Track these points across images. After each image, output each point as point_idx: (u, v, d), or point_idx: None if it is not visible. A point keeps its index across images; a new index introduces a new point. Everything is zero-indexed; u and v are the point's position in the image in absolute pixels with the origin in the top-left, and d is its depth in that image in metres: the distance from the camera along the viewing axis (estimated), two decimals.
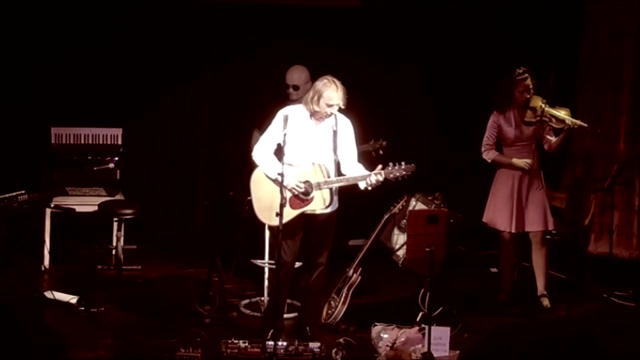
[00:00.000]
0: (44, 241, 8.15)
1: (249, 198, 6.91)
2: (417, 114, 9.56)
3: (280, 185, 6.47)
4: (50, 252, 8.21)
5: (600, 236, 8.85)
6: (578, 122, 7.47)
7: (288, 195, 6.59)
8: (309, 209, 6.65)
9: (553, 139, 7.61)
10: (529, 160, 7.54)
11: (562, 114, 7.51)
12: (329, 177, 6.67)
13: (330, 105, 6.66)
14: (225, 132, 9.48)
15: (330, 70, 9.22)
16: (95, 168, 8.68)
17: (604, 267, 8.45)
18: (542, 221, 7.62)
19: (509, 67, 8.16)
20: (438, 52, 9.38)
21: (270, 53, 9.18)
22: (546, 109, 7.48)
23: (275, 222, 6.50)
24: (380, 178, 6.57)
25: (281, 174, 6.45)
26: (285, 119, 6.63)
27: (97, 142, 8.93)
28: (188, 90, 9.63)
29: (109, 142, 8.93)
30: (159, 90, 9.48)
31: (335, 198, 6.76)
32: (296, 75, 7.55)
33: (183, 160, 9.68)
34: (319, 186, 6.63)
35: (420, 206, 7.28)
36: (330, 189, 6.68)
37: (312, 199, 6.64)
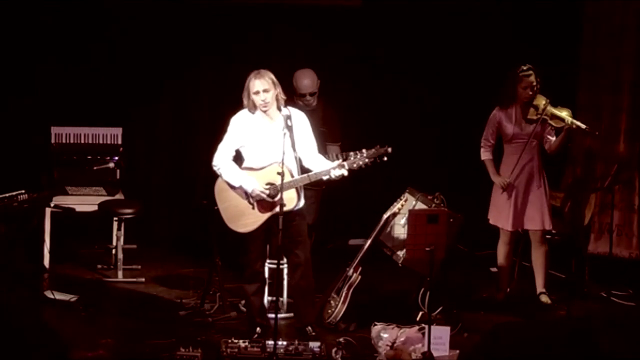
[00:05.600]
0: (44, 241, 8.14)
1: (216, 208, 6.90)
2: (417, 113, 9.55)
3: (280, 186, 6.49)
4: (50, 252, 8.20)
5: (600, 236, 8.84)
6: (577, 123, 7.48)
7: (254, 201, 6.66)
8: (278, 211, 6.60)
9: (554, 139, 7.62)
10: (505, 181, 7.56)
11: (563, 114, 7.52)
12: (292, 176, 6.67)
13: (256, 93, 6.69)
14: (226, 131, 9.47)
15: (331, 69, 9.29)
16: (95, 168, 8.68)
17: (604, 267, 8.45)
18: (540, 220, 7.62)
19: (509, 66, 8.17)
20: (438, 52, 9.38)
21: (270, 52, 9.18)
22: (548, 107, 7.49)
23: (246, 229, 6.67)
24: (345, 172, 6.63)
25: (281, 174, 6.45)
26: (240, 124, 6.76)
27: (97, 142, 8.93)
28: (188, 90, 9.63)
29: (109, 142, 8.94)
30: (159, 90, 9.48)
31: (302, 195, 6.78)
32: (309, 81, 7.51)
33: (183, 159, 9.67)
34: (284, 187, 6.59)
35: (420, 206, 7.28)
36: (296, 188, 6.69)
37: (279, 200, 6.62)
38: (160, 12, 9.26)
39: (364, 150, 6.68)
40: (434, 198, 7.30)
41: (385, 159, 7.01)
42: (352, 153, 6.76)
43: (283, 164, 6.47)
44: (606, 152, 8.83)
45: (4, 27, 9.03)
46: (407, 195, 7.40)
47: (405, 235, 6.89)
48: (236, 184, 6.74)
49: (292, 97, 7.37)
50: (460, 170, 9.26)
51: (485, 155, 7.75)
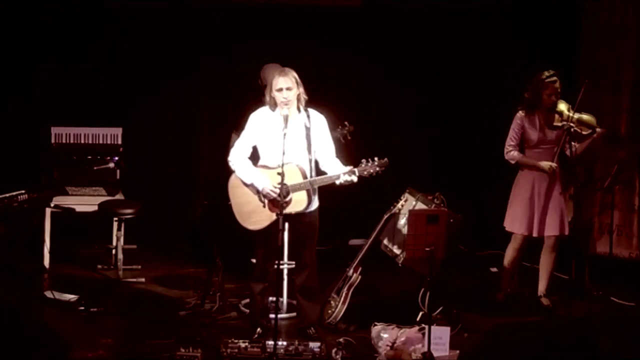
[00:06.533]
0: (44, 241, 8.15)
1: (229, 203, 6.90)
2: (417, 113, 9.55)
3: (281, 185, 6.48)
4: (50, 252, 8.21)
5: (600, 236, 8.85)
6: (601, 129, 7.47)
7: (266, 199, 6.65)
8: (287, 211, 6.59)
9: (576, 144, 7.53)
10: (553, 164, 7.47)
11: (586, 118, 7.48)
12: (304, 177, 6.66)
13: (279, 90, 6.68)
14: (226, 131, 9.47)
15: (330, 69, 9.28)
16: (95, 168, 8.69)
17: (604, 267, 8.45)
18: (558, 226, 7.56)
19: (509, 66, 8.18)
20: (438, 52, 9.38)
21: (270, 52, 9.16)
22: (574, 115, 7.44)
23: (255, 226, 6.66)
24: (355, 178, 6.59)
25: (281, 174, 6.44)
26: (258, 121, 6.74)
27: (97, 142, 8.93)
28: (188, 89, 9.63)
29: (109, 142, 8.94)
30: (159, 90, 9.48)
31: (314, 197, 6.77)
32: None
33: (183, 160, 9.68)
34: (295, 188, 6.61)
35: (420, 206, 7.27)
36: (308, 190, 6.67)
37: (290, 200, 6.62)
38: (160, 12, 9.26)
39: (375, 159, 6.63)
40: (434, 198, 7.30)
41: (349, 137, 6.90)
42: (363, 160, 6.68)
43: (283, 164, 6.46)
44: (606, 153, 8.83)
45: (4, 27, 9.02)
46: (407, 195, 7.39)
47: (406, 236, 6.89)
48: (248, 181, 6.74)
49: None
50: (460, 170, 9.26)
51: (517, 155, 7.56)
